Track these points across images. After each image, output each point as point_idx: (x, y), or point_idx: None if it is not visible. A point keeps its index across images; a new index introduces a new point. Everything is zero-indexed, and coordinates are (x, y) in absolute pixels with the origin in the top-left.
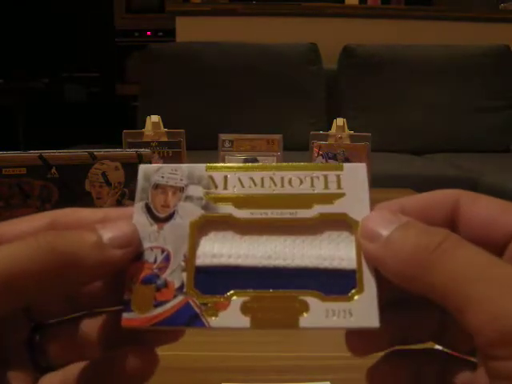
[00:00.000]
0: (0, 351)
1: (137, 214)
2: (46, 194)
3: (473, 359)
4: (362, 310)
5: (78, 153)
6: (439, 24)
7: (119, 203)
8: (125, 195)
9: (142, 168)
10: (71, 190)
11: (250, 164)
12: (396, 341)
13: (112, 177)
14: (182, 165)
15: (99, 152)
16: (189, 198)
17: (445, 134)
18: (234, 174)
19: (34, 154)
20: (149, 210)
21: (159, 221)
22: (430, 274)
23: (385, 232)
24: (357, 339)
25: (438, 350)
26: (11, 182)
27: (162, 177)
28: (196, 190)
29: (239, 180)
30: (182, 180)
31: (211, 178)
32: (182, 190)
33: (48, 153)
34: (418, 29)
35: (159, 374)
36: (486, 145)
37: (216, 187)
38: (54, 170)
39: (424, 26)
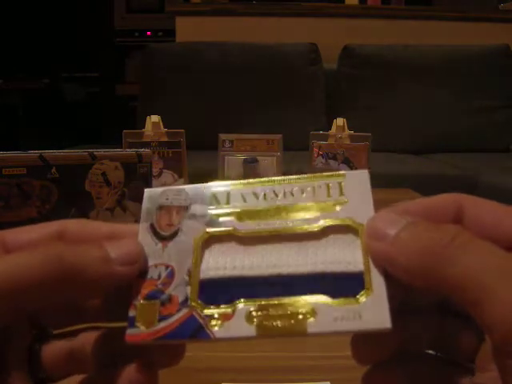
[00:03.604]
0: (1, 358)
1: (142, 234)
2: (45, 193)
3: (471, 365)
4: (372, 311)
5: (78, 153)
6: (439, 24)
7: (119, 203)
8: (124, 195)
9: (147, 192)
10: (71, 190)
11: (251, 180)
12: (397, 348)
13: (112, 177)
14: (185, 186)
15: (99, 152)
16: (192, 216)
17: (445, 134)
18: (236, 190)
19: (33, 154)
20: (153, 230)
21: (163, 239)
22: (444, 268)
23: (392, 231)
24: (362, 347)
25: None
26: (11, 182)
27: (167, 199)
28: (199, 208)
29: (242, 195)
30: (185, 200)
31: (214, 195)
32: (185, 208)
33: (48, 153)
34: (418, 29)
35: (159, 374)
36: (486, 145)
37: (219, 203)
38: (54, 170)
39: (424, 26)
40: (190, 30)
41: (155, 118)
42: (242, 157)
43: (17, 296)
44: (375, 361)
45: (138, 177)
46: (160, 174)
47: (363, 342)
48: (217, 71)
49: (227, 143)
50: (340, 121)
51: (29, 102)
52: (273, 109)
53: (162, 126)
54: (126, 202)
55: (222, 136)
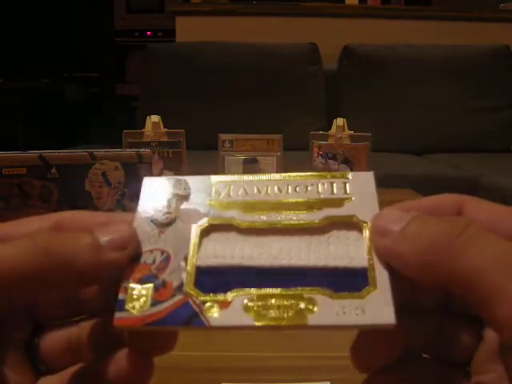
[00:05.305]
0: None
1: (138, 220)
2: (46, 193)
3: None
4: (376, 307)
5: (78, 153)
6: (439, 24)
7: (119, 203)
8: (124, 195)
9: (146, 180)
10: (71, 190)
11: (254, 176)
12: (399, 352)
13: (112, 177)
14: (186, 177)
15: (99, 152)
16: (192, 205)
17: (445, 134)
18: (238, 184)
19: (33, 154)
20: (150, 216)
21: (160, 225)
22: (453, 261)
23: (397, 227)
24: (363, 352)
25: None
26: (11, 182)
27: (166, 187)
28: (199, 198)
29: (244, 188)
30: (185, 189)
31: (215, 187)
32: (185, 197)
33: (48, 153)
34: (418, 29)
35: (159, 374)
36: (486, 145)
37: (219, 195)
38: (54, 170)
39: (424, 26)
40: (190, 30)
41: (155, 118)
42: (241, 157)
43: (3, 288)
44: (375, 367)
45: (137, 177)
46: (160, 174)
47: (369, 340)
48: (217, 71)
49: (227, 143)
50: (340, 121)
51: (29, 102)
52: (273, 109)
53: (161, 126)
54: (126, 201)
55: (222, 136)
